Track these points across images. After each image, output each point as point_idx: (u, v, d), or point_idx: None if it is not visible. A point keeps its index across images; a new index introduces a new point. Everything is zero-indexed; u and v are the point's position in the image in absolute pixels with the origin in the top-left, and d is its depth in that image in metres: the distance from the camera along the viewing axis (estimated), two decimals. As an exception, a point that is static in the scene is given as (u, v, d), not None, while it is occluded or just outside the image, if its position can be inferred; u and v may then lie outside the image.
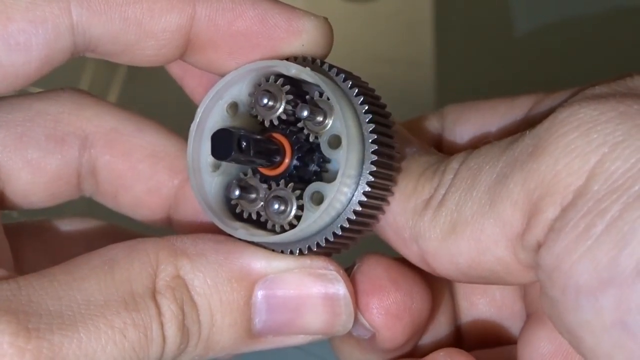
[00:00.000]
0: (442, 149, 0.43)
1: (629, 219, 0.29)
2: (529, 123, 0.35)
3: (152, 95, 0.78)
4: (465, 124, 0.42)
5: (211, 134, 0.36)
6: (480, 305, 0.44)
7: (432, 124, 0.43)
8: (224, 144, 0.34)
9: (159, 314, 0.32)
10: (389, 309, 0.38)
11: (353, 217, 0.35)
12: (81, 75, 0.83)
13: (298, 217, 0.35)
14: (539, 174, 0.32)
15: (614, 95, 0.33)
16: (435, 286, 0.42)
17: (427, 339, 0.43)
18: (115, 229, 0.44)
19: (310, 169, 0.36)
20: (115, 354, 0.31)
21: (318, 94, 0.36)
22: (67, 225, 0.43)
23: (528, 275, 0.34)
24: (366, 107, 0.35)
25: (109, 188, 0.41)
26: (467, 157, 0.36)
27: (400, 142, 0.38)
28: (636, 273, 0.29)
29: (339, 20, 0.91)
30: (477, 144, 0.41)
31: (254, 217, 0.36)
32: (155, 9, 0.35)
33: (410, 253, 0.37)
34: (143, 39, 0.36)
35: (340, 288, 0.36)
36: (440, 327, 0.44)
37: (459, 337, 0.44)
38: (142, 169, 0.41)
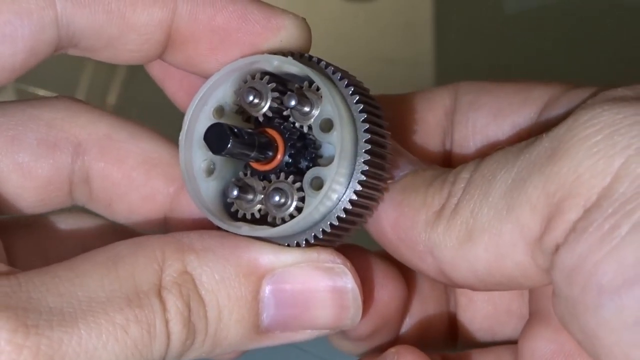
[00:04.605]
0: (452, 132, 0.42)
1: None
2: (541, 126, 0.35)
3: (152, 95, 0.78)
4: (479, 109, 0.42)
5: (200, 141, 0.36)
6: (478, 302, 0.44)
7: (443, 100, 0.43)
8: (219, 138, 0.34)
9: (164, 310, 0.32)
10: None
11: (355, 197, 0.35)
12: (81, 75, 0.83)
13: (298, 210, 0.35)
14: (560, 177, 0.32)
15: (636, 98, 0.33)
16: (430, 282, 0.42)
17: (415, 332, 0.43)
18: (109, 226, 0.43)
19: (304, 157, 0.36)
20: (116, 350, 0.31)
21: (305, 84, 0.36)
22: (61, 221, 0.43)
23: (545, 279, 0.34)
24: (352, 89, 0.36)
25: (103, 196, 0.41)
26: (478, 165, 0.36)
27: (395, 155, 0.37)
28: None
29: (339, 20, 0.91)
30: (489, 139, 0.40)
31: (254, 216, 0.36)
32: (138, 2, 0.35)
33: (426, 266, 0.37)
34: (126, 33, 0.36)
35: (348, 281, 0.36)
36: (434, 322, 0.44)
37: (453, 333, 0.44)
38: (136, 176, 0.40)
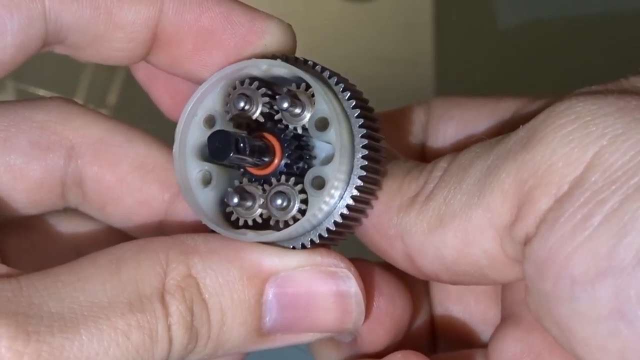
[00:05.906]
0: (425, 143, 0.43)
1: (629, 209, 0.29)
2: (513, 125, 0.35)
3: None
4: (449, 121, 0.42)
5: (193, 151, 0.36)
6: (454, 312, 0.44)
7: (419, 116, 0.43)
8: (222, 146, 0.34)
9: (167, 315, 0.32)
10: (372, 315, 0.38)
11: (357, 193, 0.36)
12: (81, 75, 0.83)
13: (301, 211, 0.35)
14: (533, 164, 0.32)
15: (611, 92, 0.33)
16: (415, 292, 0.42)
17: (404, 339, 0.43)
18: (103, 226, 0.43)
19: (300, 159, 0.37)
20: (118, 356, 0.31)
21: (295, 85, 0.36)
22: (54, 221, 0.42)
23: (513, 271, 0.34)
24: (342, 86, 0.36)
25: (97, 199, 0.40)
26: (456, 155, 0.36)
27: (387, 155, 0.38)
28: (636, 262, 0.29)
29: (339, 20, 0.91)
30: (460, 144, 0.41)
31: (256, 222, 0.36)
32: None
33: (395, 252, 0.37)
34: (112, 30, 0.36)
35: (351, 285, 0.36)
36: (416, 330, 0.44)
37: (434, 340, 0.44)
38: (130, 180, 0.40)
